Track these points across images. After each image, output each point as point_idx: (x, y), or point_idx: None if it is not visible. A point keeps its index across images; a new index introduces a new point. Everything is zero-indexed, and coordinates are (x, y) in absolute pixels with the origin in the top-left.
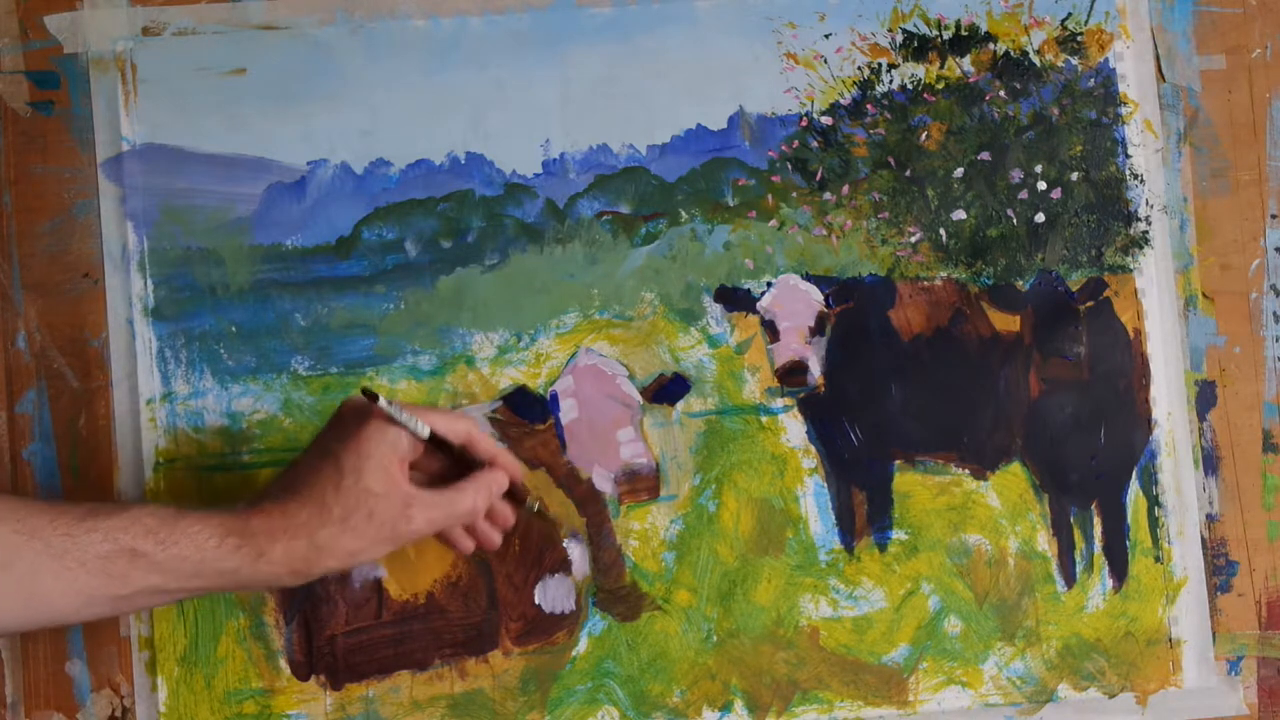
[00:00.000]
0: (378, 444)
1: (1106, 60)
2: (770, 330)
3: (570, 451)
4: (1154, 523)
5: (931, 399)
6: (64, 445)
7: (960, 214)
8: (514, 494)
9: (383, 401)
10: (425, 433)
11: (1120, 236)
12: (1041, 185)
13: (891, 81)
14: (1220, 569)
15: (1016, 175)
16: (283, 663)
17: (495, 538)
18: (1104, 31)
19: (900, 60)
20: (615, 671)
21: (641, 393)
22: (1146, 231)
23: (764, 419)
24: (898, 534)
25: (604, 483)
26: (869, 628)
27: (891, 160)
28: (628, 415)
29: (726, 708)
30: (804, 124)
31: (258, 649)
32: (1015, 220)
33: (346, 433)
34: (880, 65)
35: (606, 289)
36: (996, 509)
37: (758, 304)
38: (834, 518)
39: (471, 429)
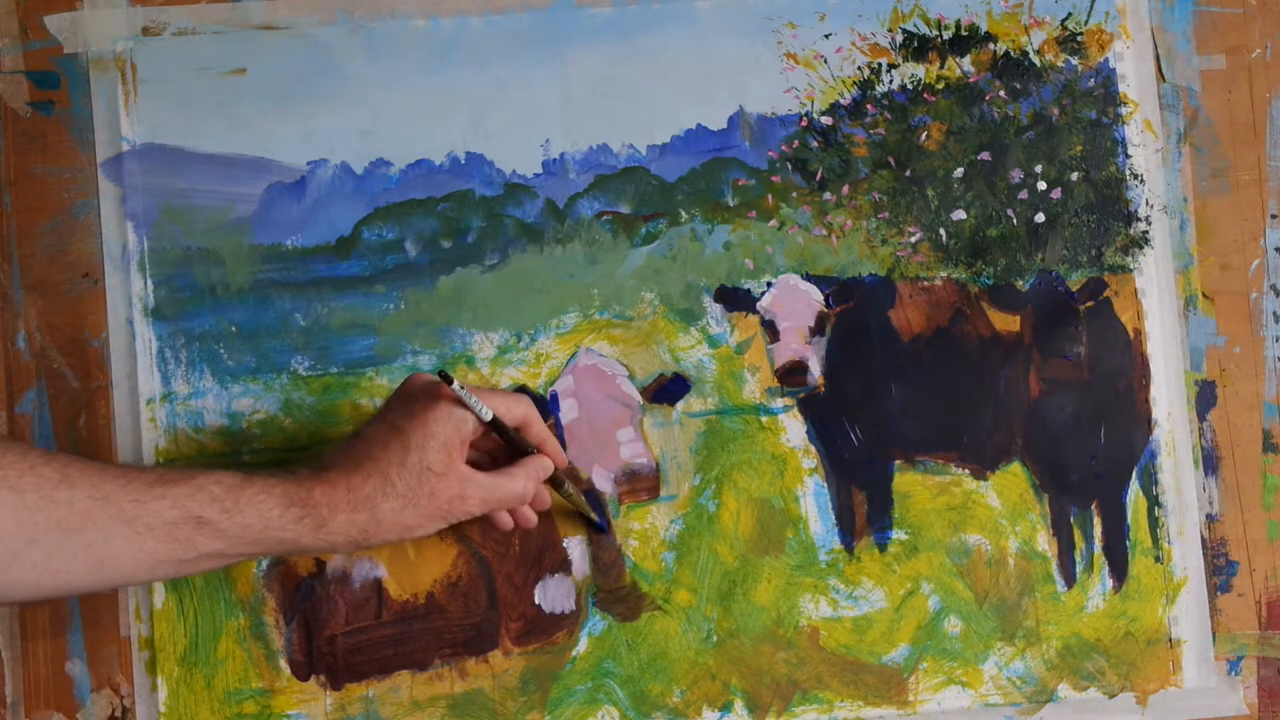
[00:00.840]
0: (444, 424)
1: (1106, 60)
2: (770, 330)
3: (570, 451)
4: (1154, 523)
5: (931, 399)
6: (64, 445)
7: (960, 214)
8: (552, 478)
9: (457, 384)
10: (488, 416)
11: (1120, 236)
12: (1041, 185)
13: (891, 81)
14: (1220, 569)
15: (1016, 175)
16: (283, 663)
17: (533, 518)
18: (1104, 31)
19: (900, 60)
20: (615, 671)
21: (641, 393)
22: (1146, 231)
23: (764, 419)
24: (898, 534)
25: (604, 483)
26: (869, 628)
27: (891, 160)
28: (628, 415)
29: (726, 708)
30: (804, 124)
31: (258, 649)
32: (1015, 220)
33: (414, 409)
34: (880, 65)
35: (606, 289)
36: (996, 509)
37: (758, 304)
38: (834, 518)
39: (529, 412)
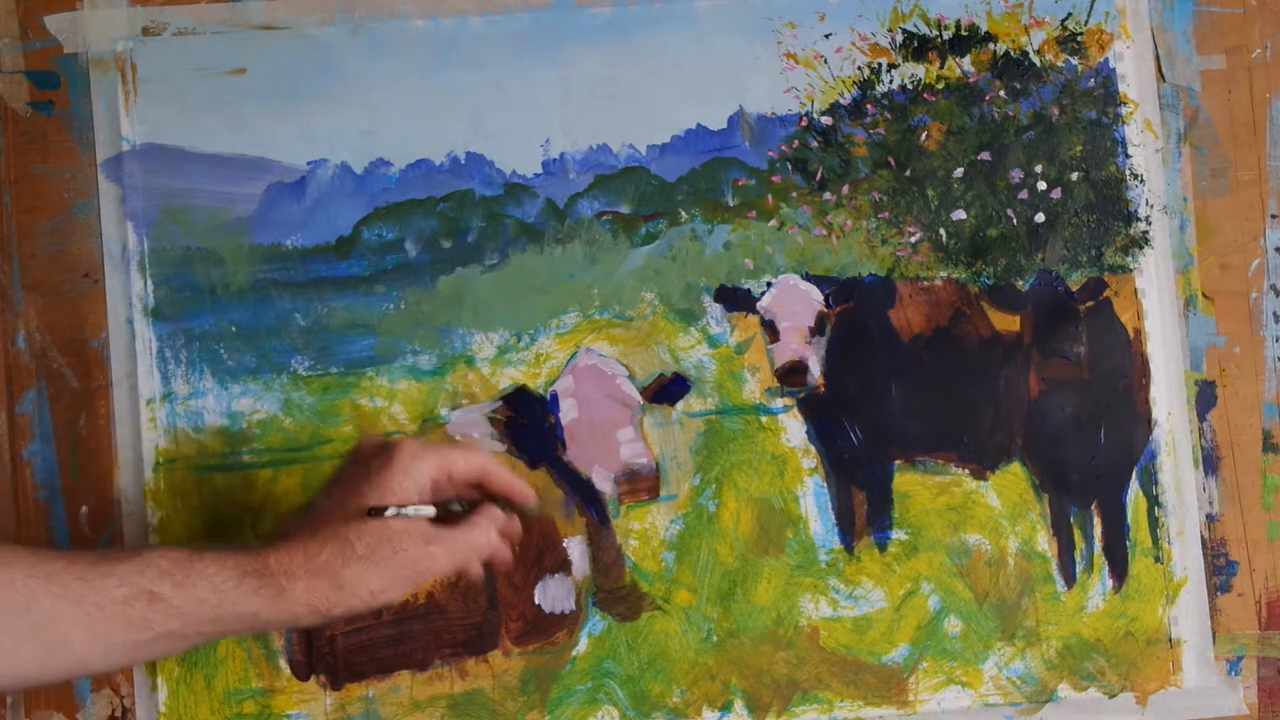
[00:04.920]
0: (401, 480)
1: (1106, 60)
2: (770, 330)
3: (570, 452)
4: (1154, 523)
5: (931, 399)
6: (64, 445)
7: (960, 214)
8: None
9: (391, 510)
10: (430, 513)
11: (1120, 236)
12: (1041, 185)
13: (891, 81)
14: (1220, 569)
15: (1016, 175)
16: (283, 663)
17: (508, 557)
18: (1104, 31)
19: (900, 60)
20: (615, 671)
21: (641, 393)
22: (1146, 231)
23: (764, 419)
24: (898, 534)
25: (604, 483)
26: (869, 628)
27: (891, 160)
28: (628, 415)
29: (726, 708)
30: (804, 124)
31: (258, 649)
32: (1015, 220)
33: (370, 469)
34: (880, 65)
35: (606, 289)
36: (996, 509)
37: (758, 304)
38: (834, 518)
39: (485, 463)
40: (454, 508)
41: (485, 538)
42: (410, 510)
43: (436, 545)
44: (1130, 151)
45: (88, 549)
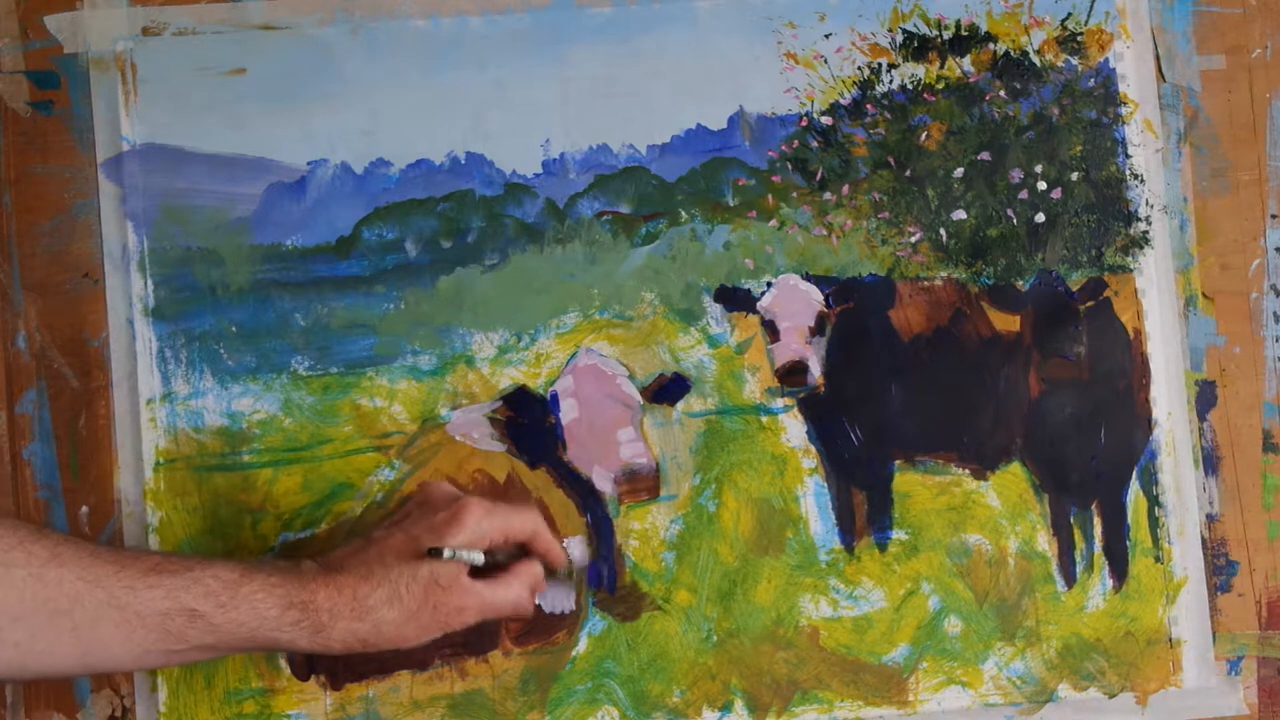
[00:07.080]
0: (465, 540)
1: (1106, 60)
2: (770, 330)
3: (570, 451)
4: (1154, 523)
5: (931, 399)
6: (64, 445)
7: (960, 214)
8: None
9: (446, 553)
10: (480, 561)
11: (1120, 236)
12: (1041, 185)
13: (891, 81)
14: (1220, 569)
15: (1016, 175)
16: (283, 662)
17: (531, 610)
18: (1104, 31)
19: (900, 60)
20: (615, 671)
21: (641, 393)
22: (1146, 231)
23: (764, 419)
24: (898, 534)
25: (604, 483)
26: (869, 628)
27: (891, 160)
28: (628, 415)
29: (726, 708)
30: (804, 124)
31: None
32: (1015, 220)
33: (435, 521)
34: (880, 65)
35: (606, 289)
36: (996, 509)
37: (758, 304)
38: (834, 518)
39: (538, 527)
40: (498, 558)
41: (516, 595)
42: (464, 554)
43: (471, 600)
44: (1130, 151)
45: (140, 551)
